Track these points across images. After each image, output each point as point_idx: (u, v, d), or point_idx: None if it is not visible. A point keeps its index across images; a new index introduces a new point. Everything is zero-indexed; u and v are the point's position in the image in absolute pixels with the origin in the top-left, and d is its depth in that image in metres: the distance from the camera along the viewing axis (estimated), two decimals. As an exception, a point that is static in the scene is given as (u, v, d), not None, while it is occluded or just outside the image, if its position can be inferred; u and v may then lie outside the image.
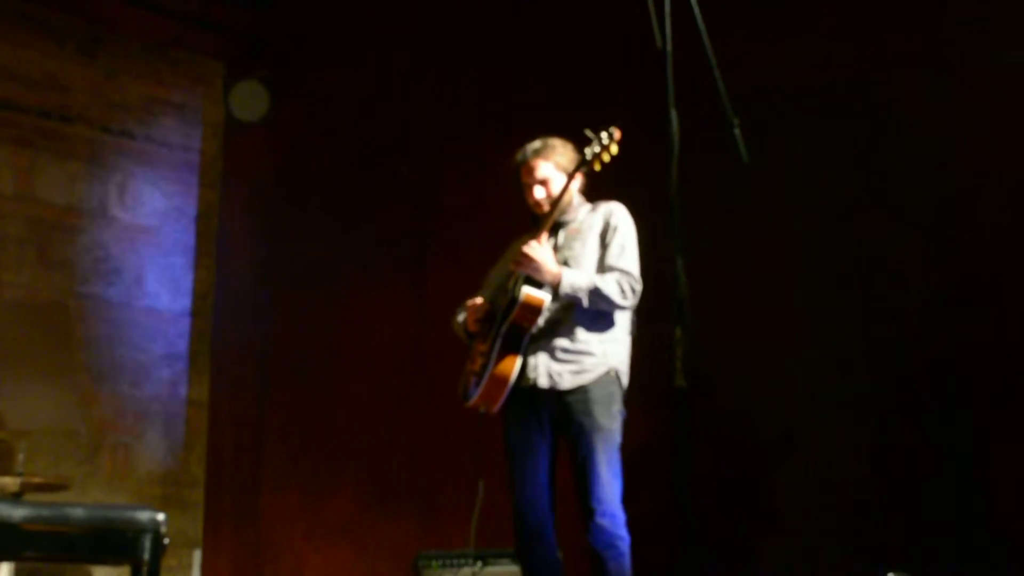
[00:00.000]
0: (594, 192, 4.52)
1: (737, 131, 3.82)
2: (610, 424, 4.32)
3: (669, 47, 3.50)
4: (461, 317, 4.67)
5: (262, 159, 7.06)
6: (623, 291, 4.31)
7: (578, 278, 4.32)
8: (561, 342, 4.36)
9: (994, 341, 4.88)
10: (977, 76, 5.06)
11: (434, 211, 6.57)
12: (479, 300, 4.57)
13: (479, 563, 4.99)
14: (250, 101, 6.92)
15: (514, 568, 4.88)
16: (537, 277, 4.32)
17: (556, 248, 4.47)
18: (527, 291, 4.30)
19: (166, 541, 4.31)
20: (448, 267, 6.24)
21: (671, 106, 3.77)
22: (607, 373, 4.36)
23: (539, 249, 4.33)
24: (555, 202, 4.41)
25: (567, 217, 4.51)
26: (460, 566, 5.03)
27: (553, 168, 4.47)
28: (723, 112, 3.80)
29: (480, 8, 6.41)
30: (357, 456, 6.46)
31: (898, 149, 5.15)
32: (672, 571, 3.80)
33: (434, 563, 5.08)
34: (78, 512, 4.29)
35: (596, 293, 4.29)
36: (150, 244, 6.87)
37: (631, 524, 4.28)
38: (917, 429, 4.93)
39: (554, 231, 4.48)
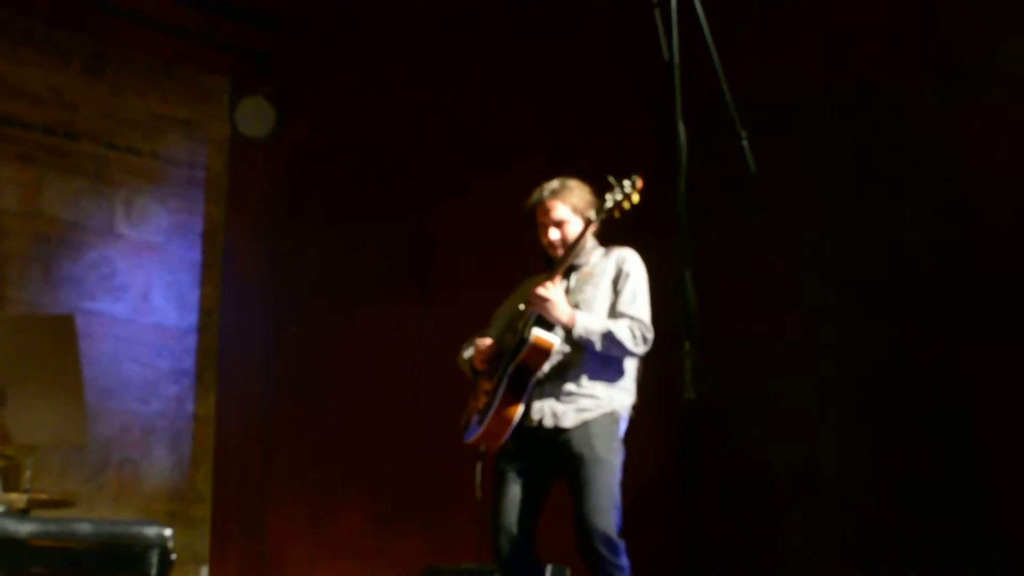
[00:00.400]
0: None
1: (745, 143, 3.82)
2: (609, 457, 4.28)
3: (676, 58, 3.49)
4: (467, 354, 4.63)
5: (267, 175, 7.07)
6: (635, 337, 4.28)
7: (592, 322, 4.30)
8: (568, 386, 4.33)
9: (996, 342, 4.87)
10: (978, 79, 5.06)
11: (439, 226, 6.56)
12: (488, 341, 4.54)
13: (486, 578, 4.98)
14: (255, 117, 6.92)
15: (522, 583, 4.85)
16: (550, 318, 4.29)
17: (568, 291, 4.44)
18: (537, 333, 4.26)
19: (173, 557, 4.31)
20: (453, 282, 6.24)
21: (678, 118, 3.78)
22: (610, 413, 4.34)
23: (553, 291, 4.32)
24: (571, 247, 4.39)
25: (580, 261, 4.48)
26: (467, 581, 5.02)
27: (570, 211, 4.44)
28: (731, 124, 3.80)
29: (485, 24, 6.41)
30: (363, 472, 6.44)
31: (900, 152, 5.14)
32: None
33: (441, 578, 5.07)
34: (85, 527, 4.29)
35: (609, 337, 4.27)
36: (156, 260, 6.87)
37: (638, 554, 4.26)
38: (919, 430, 4.92)
39: (566, 274, 4.46)
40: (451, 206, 6.49)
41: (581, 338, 4.27)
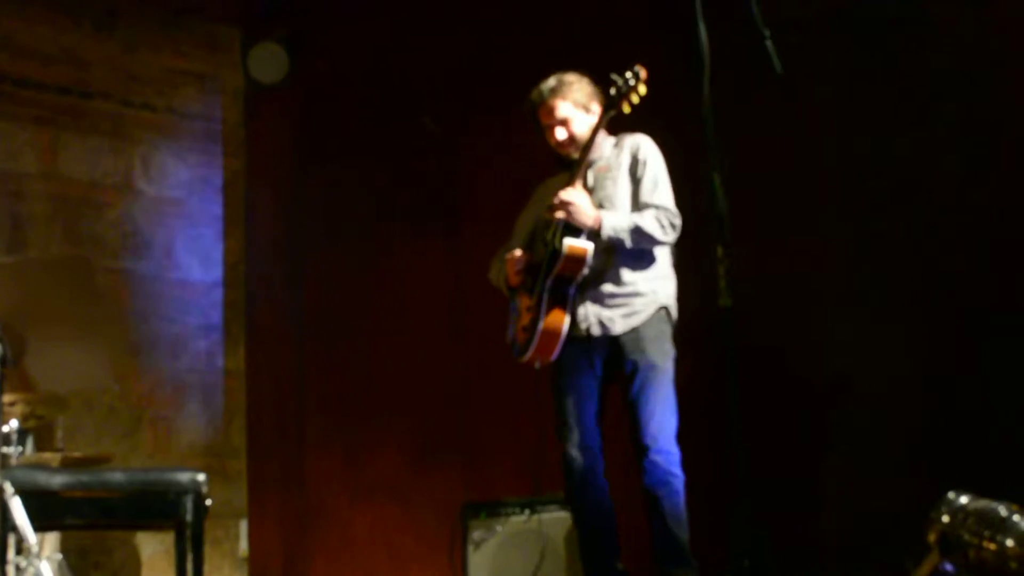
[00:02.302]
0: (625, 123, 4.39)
1: (769, 42, 3.72)
2: (663, 362, 4.26)
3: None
4: (498, 269, 4.59)
5: (284, 123, 6.99)
6: (663, 227, 4.23)
7: (619, 220, 4.23)
8: (608, 288, 4.29)
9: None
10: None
11: (462, 162, 6.47)
12: (518, 252, 4.47)
13: (527, 511, 4.91)
14: (269, 63, 6.84)
15: (565, 514, 4.80)
16: (576, 224, 4.23)
17: (589, 190, 4.36)
18: (570, 242, 4.22)
19: (208, 502, 4.28)
20: (480, 217, 6.16)
21: (699, 19, 3.67)
22: (658, 311, 4.30)
23: (577, 195, 4.24)
24: (585, 148, 4.30)
25: (593, 155, 4.40)
26: (509, 515, 4.95)
27: (572, 106, 4.37)
28: (754, 24, 3.70)
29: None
30: (398, 413, 6.39)
31: (937, 50, 4.98)
32: (727, 506, 3.72)
33: (482, 513, 5.01)
34: (118, 477, 4.27)
35: (638, 232, 4.21)
36: (178, 216, 6.81)
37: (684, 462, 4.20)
38: (958, 333, 4.80)
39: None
40: (471, 139, 6.39)
41: (611, 238, 4.21)
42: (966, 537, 3.22)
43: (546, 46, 5.98)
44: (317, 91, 6.91)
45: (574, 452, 4.31)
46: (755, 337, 4.29)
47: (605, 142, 4.45)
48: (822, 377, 5.09)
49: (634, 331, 4.25)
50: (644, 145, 4.39)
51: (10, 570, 3.94)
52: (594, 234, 4.23)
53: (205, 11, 6.98)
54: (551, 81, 4.42)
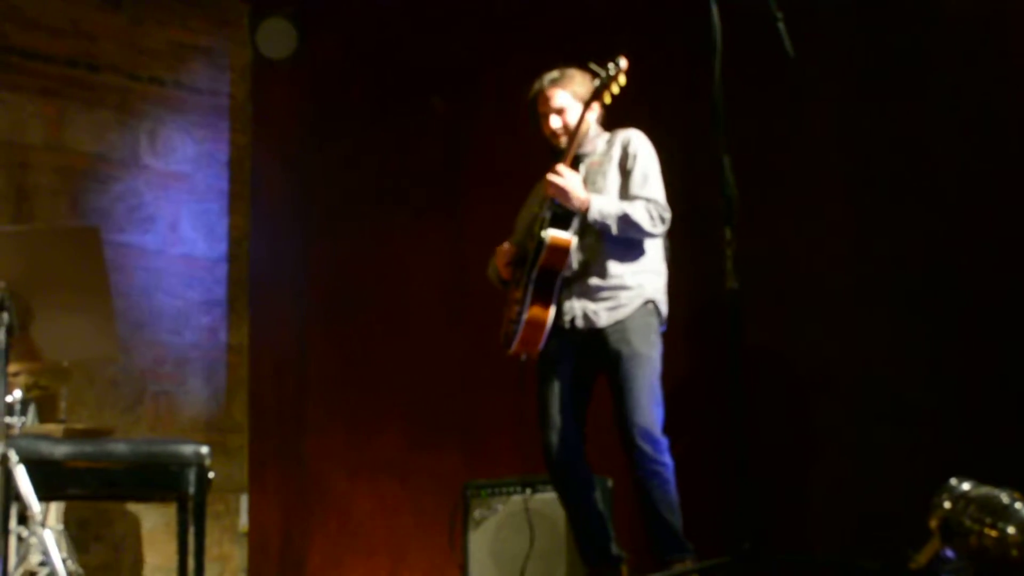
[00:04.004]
0: (631, 101, 4.38)
1: (781, 25, 3.72)
2: (648, 351, 4.27)
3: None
4: (492, 265, 4.62)
5: (292, 99, 6.98)
6: (652, 218, 4.23)
7: (607, 204, 4.24)
8: (594, 281, 4.30)
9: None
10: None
11: (469, 143, 6.46)
12: (505, 246, 4.53)
13: (528, 490, 4.93)
14: (277, 38, 6.82)
15: (564, 495, 4.80)
16: (565, 203, 4.25)
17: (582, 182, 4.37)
18: (551, 233, 4.24)
19: (211, 475, 4.29)
20: (485, 199, 6.15)
21: (712, 2, 3.68)
22: (644, 305, 4.30)
23: (568, 174, 4.24)
24: (573, 133, 4.31)
25: (586, 149, 4.44)
26: (509, 494, 4.96)
27: (570, 97, 4.40)
28: (766, 5, 3.69)
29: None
30: (400, 392, 6.40)
31: (947, 37, 4.97)
32: (729, 489, 3.73)
33: (482, 492, 5.02)
34: (121, 448, 4.28)
35: (625, 220, 4.21)
36: (183, 191, 6.80)
37: (677, 452, 4.21)
38: (967, 318, 4.80)
39: (575, 165, 4.39)
40: (482, 121, 6.38)
41: (596, 222, 4.22)
42: (967, 524, 3.23)
43: (555, 30, 5.98)
44: (325, 68, 6.90)
45: (552, 440, 4.33)
46: (758, 323, 4.29)
47: (599, 138, 4.48)
48: (825, 363, 5.09)
49: (619, 323, 4.26)
50: (635, 139, 4.40)
51: (12, 540, 3.95)
52: (582, 218, 4.24)
53: (213, -15, 6.97)
54: (554, 72, 4.47)
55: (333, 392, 6.65)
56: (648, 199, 4.25)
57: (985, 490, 3.29)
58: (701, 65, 3.76)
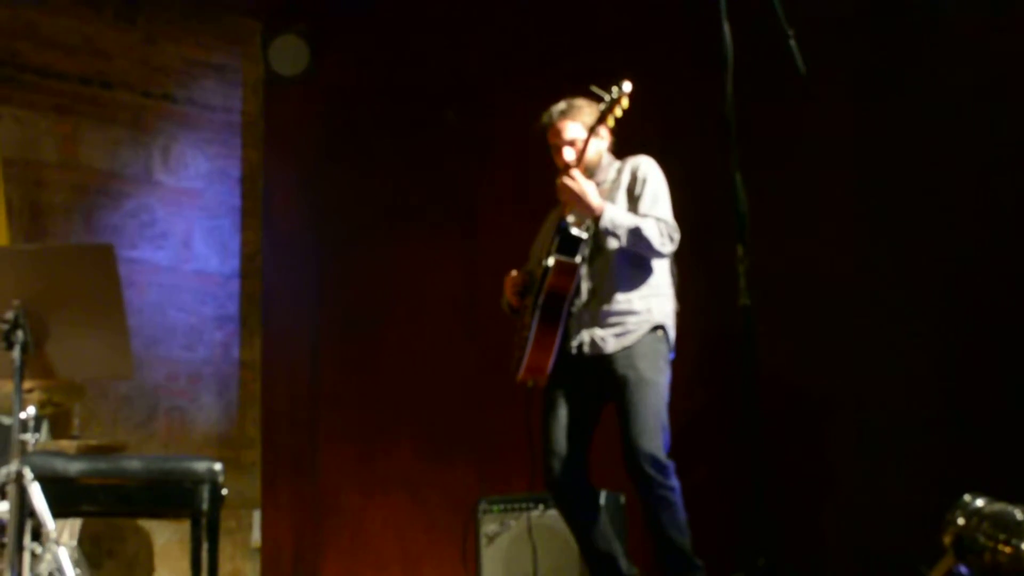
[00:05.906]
0: (641, 118, 4.39)
1: (793, 42, 3.72)
2: (655, 376, 4.26)
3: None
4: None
5: (304, 116, 7.00)
6: (662, 235, 4.23)
7: (620, 215, 4.25)
8: (602, 307, 4.30)
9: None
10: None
11: (482, 159, 6.48)
12: (514, 273, 4.54)
13: (540, 506, 4.93)
14: (289, 55, 6.86)
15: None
16: (579, 209, 4.25)
17: None
18: (559, 257, 4.23)
19: (224, 491, 4.29)
20: (498, 215, 6.17)
21: (724, 19, 3.68)
22: (652, 331, 4.29)
23: (582, 180, 4.25)
24: (579, 158, 4.32)
25: (598, 178, 4.44)
26: (522, 510, 4.96)
27: (580, 128, 4.40)
28: (777, 23, 3.70)
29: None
30: (412, 408, 6.41)
31: (955, 61, 4.97)
32: (743, 505, 3.73)
33: (495, 508, 5.02)
34: (135, 464, 4.28)
35: (636, 233, 4.21)
36: (196, 207, 6.83)
37: (687, 467, 4.20)
38: (978, 341, 4.79)
39: None
40: (495, 137, 6.39)
41: (606, 230, 4.22)
42: (981, 540, 3.22)
43: (567, 44, 5.99)
44: (336, 84, 6.92)
45: (553, 466, 4.33)
46: (771, 337, 4.29)
47: (610, 166, 4.49)
48: (838, 377, 5.08)
49: (626, 349, 4.26)
50: (643, 164, 4.42)
51: (26, 556, 3.95)
52: (591, 243, 4.25)
53: (226, 3, 7.00)
54: (561, 104, 4.46)
55: (345, 408, 6.65)
56: (658, 218, 4.26)
57: (999, 506, 3.27)
58: (712, 81, 3.76)
